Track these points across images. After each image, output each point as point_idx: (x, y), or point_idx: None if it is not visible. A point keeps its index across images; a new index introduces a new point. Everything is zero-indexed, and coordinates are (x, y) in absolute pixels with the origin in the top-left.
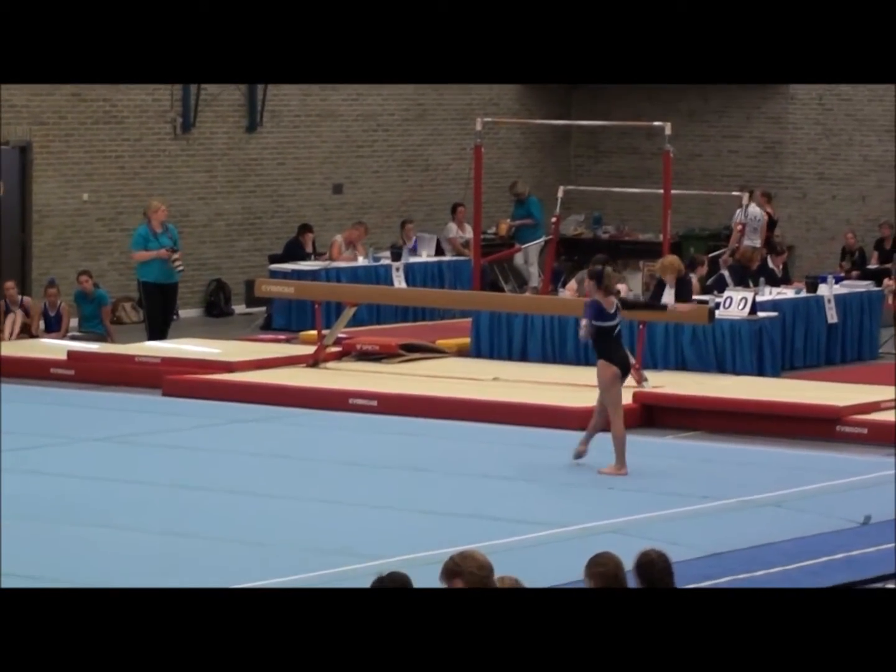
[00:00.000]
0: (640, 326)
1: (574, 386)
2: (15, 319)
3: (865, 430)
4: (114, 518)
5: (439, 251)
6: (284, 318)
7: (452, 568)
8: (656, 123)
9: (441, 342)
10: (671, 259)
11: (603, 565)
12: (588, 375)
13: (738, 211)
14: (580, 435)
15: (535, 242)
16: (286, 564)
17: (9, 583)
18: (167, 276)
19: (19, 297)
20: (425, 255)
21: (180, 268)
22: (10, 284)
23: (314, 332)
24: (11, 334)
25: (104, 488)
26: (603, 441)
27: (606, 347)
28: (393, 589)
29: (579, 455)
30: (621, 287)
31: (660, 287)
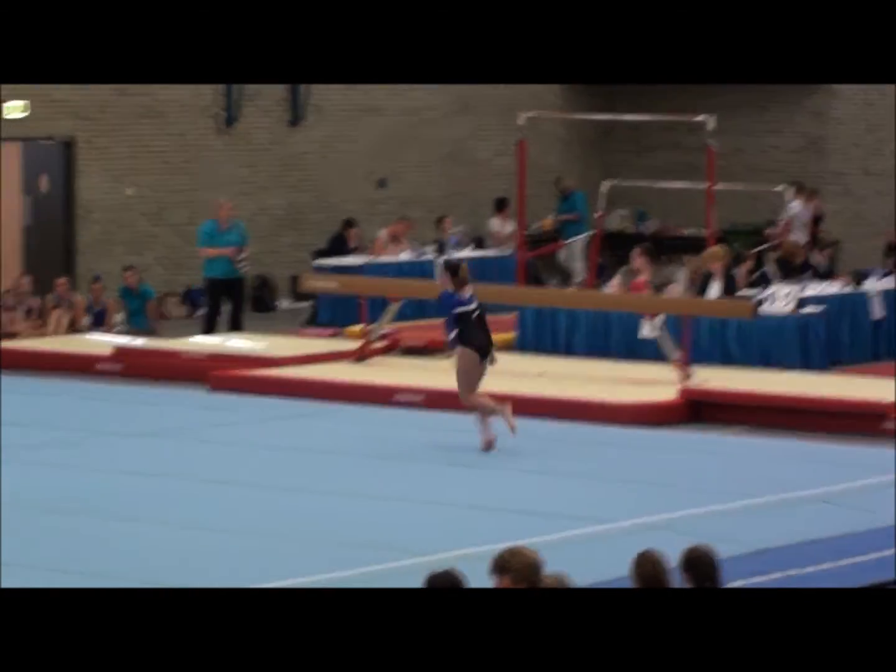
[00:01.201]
0: (685, 321)
1: (620, 380)
2: (61, 315)
3: None
4: (159, 514)
5: (479, 245)
6: (329, 313)
7: (501, 564)
8: (699, 118)
9: None
10: (716, 248)
11: (641, 565)
12: (634, 371)
13: (789, 205)
14: (628, 431)
15: (579, 237)
16: (332, 560)
17: (57, 578)
18: (232, 272)
19: (68, 292)
20: (469, 250)
21: (245, 267)
22: (61, 281)
23: (359, 328)
24: (57, 330)
25: (149, 484)
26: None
27: (466, 332)
28: (439, 588)
29: (489, 445)
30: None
31: (706, 280)
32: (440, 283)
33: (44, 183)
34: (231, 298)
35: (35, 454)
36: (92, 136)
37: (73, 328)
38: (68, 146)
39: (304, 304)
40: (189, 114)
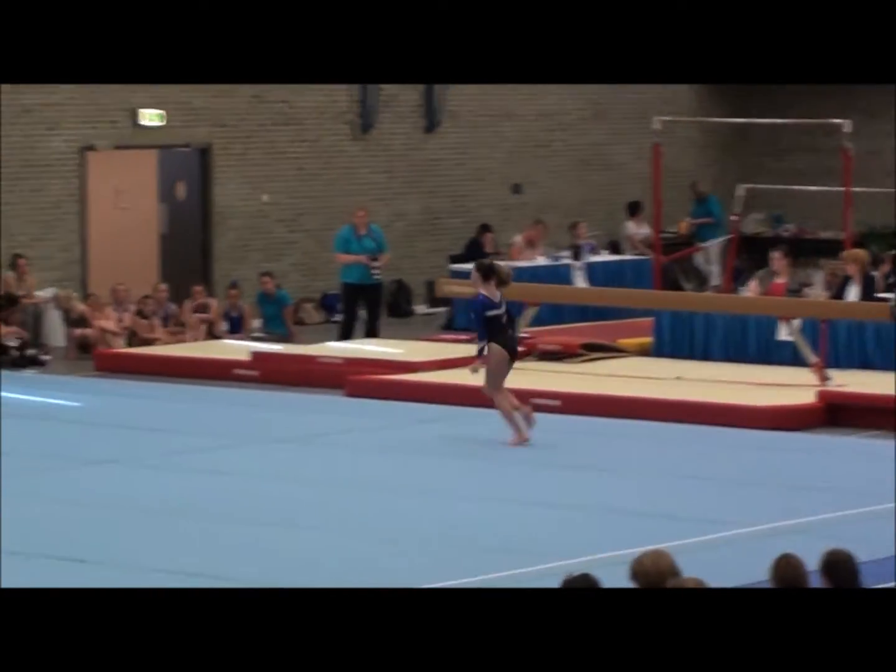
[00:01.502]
0: (822, 325)
1: (757, 384)
2: (198, 321)
3: None
4: (297, 518)
5: (615, 250)
6: (466, 318)
7: (639, 568)
8: (835, 121)
9: (622, 341)
10: (854, 251)
11: (780, 569)
12: (771, 374)
13: None
14: (766, 434)
15: (715, 241)
16: (469, 565)
17: (195, 583)
18: (367, 278)
19: (206, 299)
20: (605, 255)
21: (377, 275)
22: (198, 289)
23: None
24: (195, 336)
25: (287, 489)
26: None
27: (496, 335)
28: (576, 588)
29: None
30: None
31: (843, 283)
32: (472, 285)
33: (180, 190)
34: (367, 304)
35: (174, 460)
36: (228, 143)
37: (211, 334)
38: (205, 153)
39: (441, 309)
40: (325, 120)
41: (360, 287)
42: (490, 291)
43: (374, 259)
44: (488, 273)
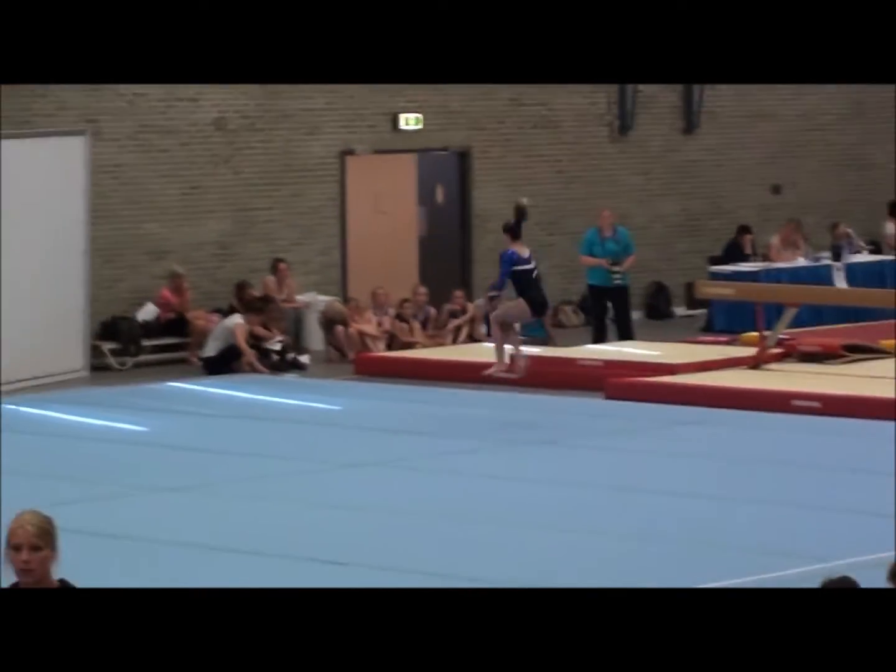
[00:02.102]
0: None
1: None
2: (458, 324)
3: None
4: (559, 521)
5: (876, 250)
6: (725, 320)
7: (893, 570)
8: None
9: (884, 343)
10: None
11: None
12: None
13: None
14: None
15: None
16: (728, 566)
17: (450, 584)
18: (609, 281)
19: (465, 302)
20: (865, 255)
21: (618, 279)
22: (458, 293)
23: (755, 334)
24: (455, 339)
25: (549, 491)
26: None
27: (525, 290)
28: (838, 590)
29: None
30: None
31: None
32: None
33: (440, 193)
34: (614, 307)
35: (432, 463)
36: (487, 147)
37: (471, 337)
38: (463, 157)
39: (700, 311)
40: (583, 122)
41: (605, 289)
42: (520, 248)
43: (616, 263)
44: (514, 231)
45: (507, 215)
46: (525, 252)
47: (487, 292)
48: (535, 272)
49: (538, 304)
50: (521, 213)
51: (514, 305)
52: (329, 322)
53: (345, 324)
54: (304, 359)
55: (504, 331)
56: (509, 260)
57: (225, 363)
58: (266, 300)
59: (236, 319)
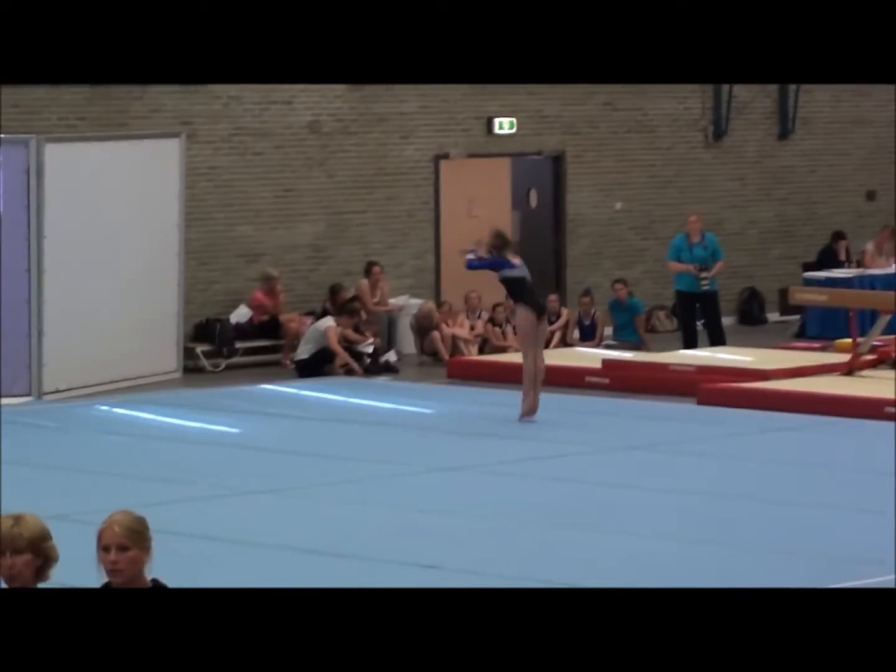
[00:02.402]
0: None
1: None
2: (555, 329)
3: None
4: (652, 527)
5: None
6: (818, 326)
7: None
8: None
9: None
10: None
11: None
12: None
13: None
14: None
15: None
16: (822, 573)
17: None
18: (697, 287)
19: (558, 307)
20: None
21: (705, 286)
22: (552, 297)
23: (848, 340)
24: (549, 343)
25: (637, 496)
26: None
27: (521, 295)
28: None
29: (531, 412)
30: None
31: None
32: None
33: (533, 198)
34: (704, 312)
35: (525, 467)
36: (580, 151)
37: (564, 342)
38: (557, 161)
39: (794, 317)
40: (677, 128)
41: (693, 295)
42: (512, 257)
43: (703, 269)
44: (502, 244)
45: (600, 220)
46: (516, 260)
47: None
48: (528, 279)
49: (539, 305)
50: (500, 238)
51: (520, 323)
52: (421, 325)
53: (436, 327)
54: (397, 362)
55: (530, 355)
56: (499, 264)
57: (317, 366)
58: (349, 300)
59: (328, 322)
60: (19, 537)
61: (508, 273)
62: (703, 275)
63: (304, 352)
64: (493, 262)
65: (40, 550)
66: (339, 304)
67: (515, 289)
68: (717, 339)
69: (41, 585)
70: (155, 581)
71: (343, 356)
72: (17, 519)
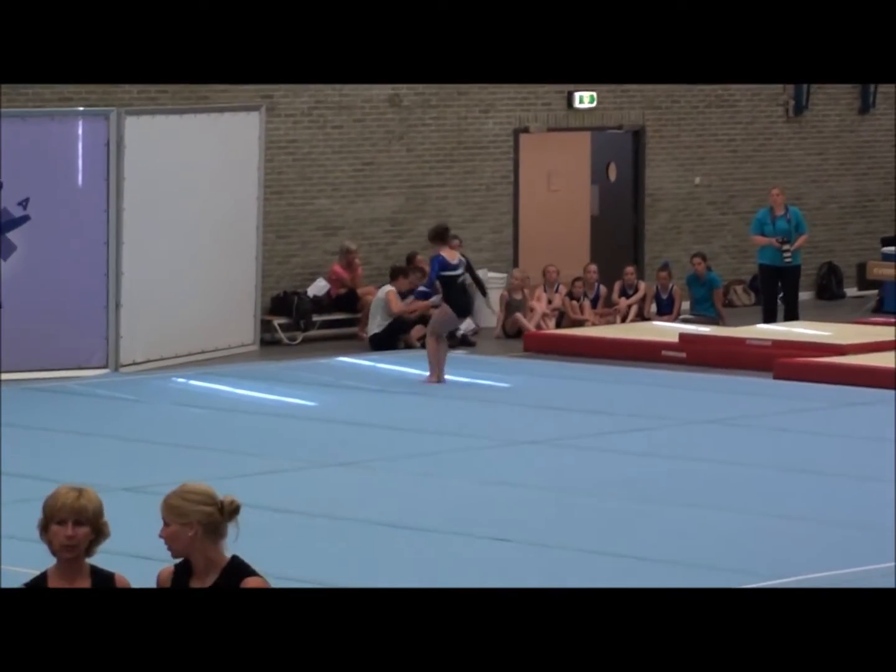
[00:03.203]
0: None
1: None
2: (629, 303)
3: None
4: (727, 501)
5: None
6: (895, 302)
7: None
8: None
9: None
10: None
11: None
12: None
13: None
14: None
15: None
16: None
17: (614, 562)
18: (780, 260)
19: (636, 281)
20: None
21: (787, 259)
22: (629, 270)
23: None
24: (626, 317)
25: (713, 470)
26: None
27: (449, 294)
28: None
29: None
30: None
31: None
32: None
33: (612, 172)
34: (784, 286)
35: (602, 441)
36: (660, 126)
37: (641, 316)
38: (637, 135)
39: (871, 292)
40: (758, 102)
41: (776, 269)
42: (448, 254)
43: (785, 242)
44: (441, 237)
45: (680, 194)
46: (454, 258)
47: (415, 293)
48: (462, 278)
49: (460, 308)
50: (435, 232)
51: (439, 313)
52: (513, 299)
53: (524, 303)
54: (475, 336)
55: (436, 340)
56: (437, 264)
57: (391, 338)
58: (409, 263)
59: (387, 288)
60: (84, 510)
61: (445, 273)
62: (786, 248)
63: (374, 325)
64: (433, 273)
65: (98, 525)
66: (392, 268)
67: (447, 287)
68: (791, 314)
69: (88, 561)
70: (234, 557)
71: (405, 311)
72: (82, 491)
